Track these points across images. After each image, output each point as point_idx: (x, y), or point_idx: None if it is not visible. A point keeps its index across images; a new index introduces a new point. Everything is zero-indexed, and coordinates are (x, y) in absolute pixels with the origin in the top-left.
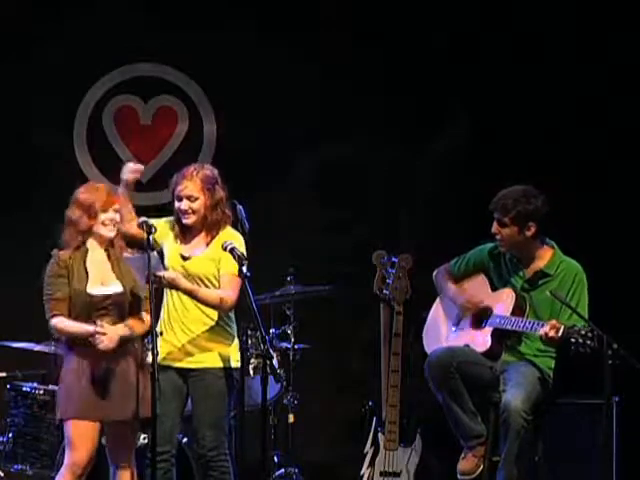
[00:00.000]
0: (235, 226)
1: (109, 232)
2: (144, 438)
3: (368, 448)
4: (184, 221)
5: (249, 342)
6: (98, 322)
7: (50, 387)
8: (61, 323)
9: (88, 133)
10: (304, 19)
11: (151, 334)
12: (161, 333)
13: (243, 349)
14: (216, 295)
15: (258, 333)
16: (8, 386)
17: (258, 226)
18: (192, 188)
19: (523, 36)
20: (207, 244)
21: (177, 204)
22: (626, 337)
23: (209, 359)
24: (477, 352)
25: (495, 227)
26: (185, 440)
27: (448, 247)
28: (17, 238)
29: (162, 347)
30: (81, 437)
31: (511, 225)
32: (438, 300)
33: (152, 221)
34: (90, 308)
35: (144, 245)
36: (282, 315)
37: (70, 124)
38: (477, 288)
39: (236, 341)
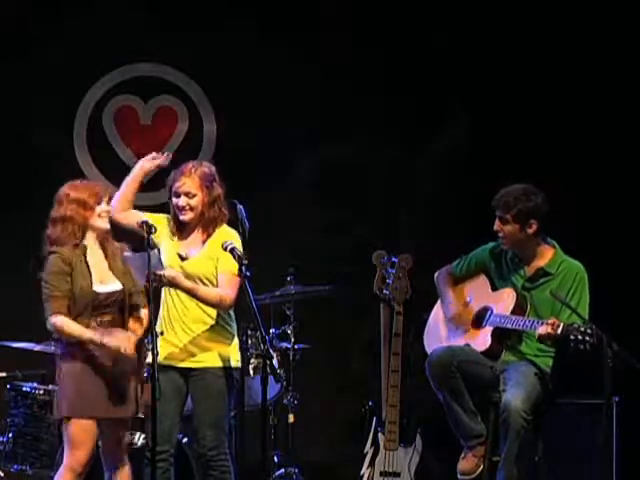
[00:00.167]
0: (235, 225)
1: (105, 224)
2: (143, 438)
3: (368, 448)
4: (181, 218)
5: (249, 342)
6: (92, 323)
7: (50, 387)
8: (62, 322)
9: (88, 133)
10: (304, 19)
11: (151, 334)
12: (162, 333)
13: (243, 349)
14: (216, 294)
15: (258, 333)
16: (8, 386)
17: (258, 226)
18: (190, 185)
19: (523, 36)
20: (203, 242)
21: (174, 200)
22: (626, 337)
23: (209, 358)
24: (477, 351)
25: (497, 224)
26: (185, 440)
27: (448, 247)
28: (17, 238)
29: (163, 347)
30: (81, 435)
31: (513, 222)
32: (439, 302)
33: (150, 220)
34: (93, 306)
35: (144, 243)
36: (282, 315)
37: (70, 124)
38: (478, 289)
39: (236, 340)
